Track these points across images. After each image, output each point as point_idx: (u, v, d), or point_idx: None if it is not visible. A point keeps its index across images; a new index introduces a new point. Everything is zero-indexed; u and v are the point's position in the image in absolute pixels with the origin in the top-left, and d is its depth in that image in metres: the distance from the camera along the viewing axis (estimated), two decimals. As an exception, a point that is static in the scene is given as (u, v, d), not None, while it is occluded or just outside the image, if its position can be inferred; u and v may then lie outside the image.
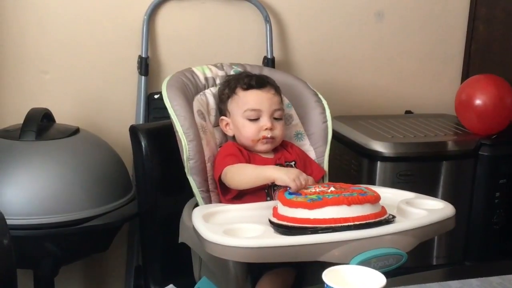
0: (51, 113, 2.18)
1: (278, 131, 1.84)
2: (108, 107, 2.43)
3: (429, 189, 2.22)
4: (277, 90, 1.89)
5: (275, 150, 1.89)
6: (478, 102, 2.37)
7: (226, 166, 1.74)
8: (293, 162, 1.87)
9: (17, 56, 2.32)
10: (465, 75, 2.81)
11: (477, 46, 2.80)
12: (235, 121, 1.85)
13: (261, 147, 1.83)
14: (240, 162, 1.76)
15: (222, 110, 1.90)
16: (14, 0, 2.28)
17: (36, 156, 2.00)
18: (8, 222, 1.41)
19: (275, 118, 1.85)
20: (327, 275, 1.08)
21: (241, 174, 1.73)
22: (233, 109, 1.87)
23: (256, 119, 1.83)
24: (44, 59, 2.35)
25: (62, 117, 2.24)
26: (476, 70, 2.74)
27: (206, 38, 2.49)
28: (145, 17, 2.38)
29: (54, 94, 2.37)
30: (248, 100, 1.85)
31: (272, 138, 1.83)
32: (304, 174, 1.65)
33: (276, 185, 1.77)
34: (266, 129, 1.82)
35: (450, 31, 2.83)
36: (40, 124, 2.07)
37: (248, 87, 1.86)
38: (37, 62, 2.34)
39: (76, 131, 2.14)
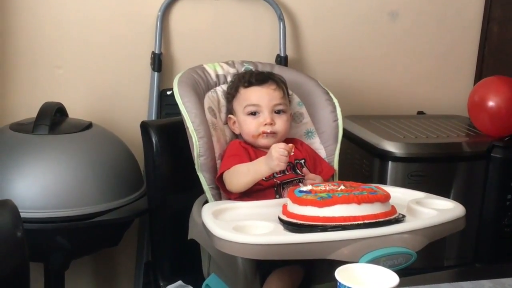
0: (64, 107, 2.20)
1: (279, 125, 1.84)
2: (121, 102, 2.44)
3: (440, 190, 2.19)
4: (279, 85, 1.89)
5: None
6: (491, 103, 2.36)
7: (225, 168, 1.75)
8: (303, 160, 1.87)
9: (32, 51, 2.34)
10: (478, 76, 2.80)
11: (491, 47, 2.79)
12: (238, 119, 1.87)
13: (262, 141, 1.83)
14: (242, 162, 1.76)
15: (229, 109, 1.92)
16: (29, -5, 2.30)
17: (48, 150, 2.01)
18: (21, 215, 1.42)
19: (277, 113, 1.85)
20: (340, 273, 1.08)
21: (237, 178, 1.73)
22: (236, 107, 1.88)
23: (256, 115, 1.84)
24: (58, 54, 2.36)
25: (75, 112, 2.25)
26: (489, 72, 2.72)
27: (220, 35, 2.50)
28: (159, 13, 2.38)
29: (68, 89, 2.38)
30: (248, 96, 1.86)
31: (273, 132, 1.83)
32: (281, 144, 1.67)
33: (285, 183, 1.78)
34: (266, 124, 1.82)
35: (464, 32, 2.81)
36: (53, 118, 2.08)
37: (248, 84, 1.88)
38: (51, 57, 2.36)
39: (88, 125, 2.15)
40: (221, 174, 1.76)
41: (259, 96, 1.85)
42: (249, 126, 1.84)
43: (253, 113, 1.85)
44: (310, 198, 1.45)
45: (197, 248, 1.83)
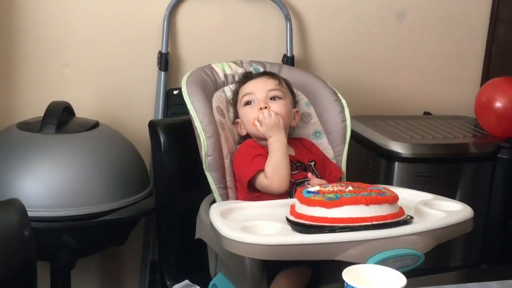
0: (71, 106, 2.20)
1: (275, 108, 1.83)
2: (128, 101, 2.44)
3: (447, 191, 2.20)
4: (274, 76, 1.92)
5: (295, 147, 1.89)
6: (498, 104, 2.36)
7: (258, 169, 1.75)
8: (313, 162, 1.87)
9: (39, 50, 2.34)
10: (485, 77, 2.79)
11: (498, 48, 2.78)
12: (240, 116, 1.88)
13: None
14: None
15: (235, 114, 1.93)
16: (36, -6, 2.30)
17: (55, 149, 2.01)
18: (28, 214, 1.42)
19: (272, 99, 1.85)
20: (347, 274, 1.07)
21: (279, 173, 1.73)
22: (238, 107, 1.89)
23: (252, 104, 1.85)
24: (65, 53, 2.37)
25: (82, 111, 2.25)
26: (496, 73, 2.72)
27: (226, 34, 2.50)
28: (166, 12, 2.38)
29: (75, 88, 2.39)
30: (243, 90, 1.89)
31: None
32: (265, 112, 1.78)
33: (297, 184, 1.77)
34: (261, 108, 1.82)
35: (471, 32, 2.81)
36: (60, 117, 2.08)
37: (245, 80, 1.91)
38: (58, 56, 2.36)
39: (95, 125, 2.15)
40: (251, 178, 1.75)
41: (254, 85, 1.88)
42: (248, 116, 1.85)
43: (249, 103, 1.85)
44: (318, 198, 1.45)
45: (204, 247, 1.83)
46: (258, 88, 1.86)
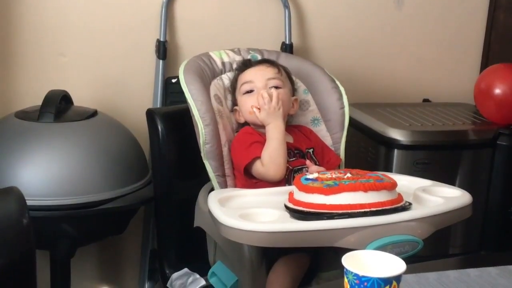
0: (69, 95, 2.19)
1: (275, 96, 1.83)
2: (126, 90, 2.44)
3: (446, 178, 2.19)
4: (274, 63, 1.91)
5: (294, 134, 1.89)
6: (497, 91, 2.35)
7: (255, 154, 1.75)
8: (312, 149, 1.87)
9: (36, 39, 2.33)
10: (484, 64, 2.79)
11: (497, 35, 2.78)
12: (239, 104, 1.87)
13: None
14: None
15: (233, 102, 1.93)
16: (33, -18, 2.29)
17: (54, 138, 2.01)
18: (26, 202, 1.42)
19: (272, 88, 1.84)
20: (347, 260, 1.07)
21: (276, 160, 1.73)
22: (236, 95, 1.89)
23: (251, 92, 1.84)
24: (63, 41, 2.36)
25: (80, 100, 2.25)
26: (495, 59, 2.71)
27: (224, 22, 2.49)
28: (164, 0, 2.37)
29: (72, 77, 2.38)
30: (242, 78, 1.88)
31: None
32: (265, 96, 1.77)
33: (295, 171, 1.77)
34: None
35: (470, 19, 2.80)
36: (58, 106, 2.08)
37: (244, 68, 1.90)
38: (55, 44, 2.35)
39: (94, 113, 2.15)
40: (247, 164, 1.76)
41: (253, 73, 1.87)
42: (246, 104, 1.84)
43: (248, 92, 1.85)
44: (317, 185, 1.45)
45: (203, 235, 1.83)
46: (257, 77, 1.85)
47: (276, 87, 1.85)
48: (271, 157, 1.73)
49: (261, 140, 1.78)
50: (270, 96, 1.78)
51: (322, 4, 2.60)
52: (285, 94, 1.86)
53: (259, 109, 1.80)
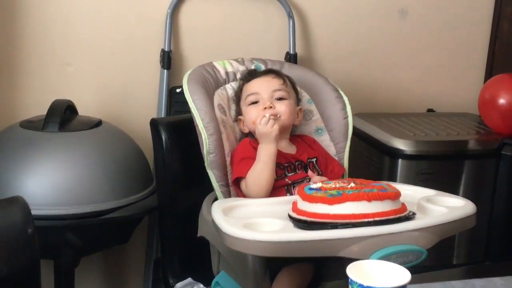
0: (74, 105, 2.20)
1: (280, 108, 1.83)
2: (131, 100, 2.45)
3: (450, 188, 2.20)
4: (279, 74, 1.91)
5: (297, 145, 1.89)
6: (501, 101, 2.35)
7: (241, 173, 1.75)
8: (315, 159, 1.86)
9: (42, 48, 2.34)
10: (489, 74, 2.79)
11: (502, 45, 2.78)
12: (243, 114, 1.87)
13: None
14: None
15: (237, 112, 1.93)
16: (39, -7, 2.30)
17: (58, 148, 2.01)
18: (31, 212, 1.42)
19: (278, 99, 1.85)
20: (351, 270, 1.07)
21: (259, 181, 1.72)
22: (241, 104, 1.89)
23: (256, 104, 1.84)
24: (68, 51, 2.37)
25: (84, 109, 2.26)
26: (500, 69, 2.71)
27: (229, 32, 2.50)
28: (169, 10, 2.38)
29: (77, 86, 2.39)
30: (248, 88, 1.88)
31: (274, 115, 1.78)
32: (263, 119, 1.74)
33: (295, 182, 1.78)
34: (265, 108, 1.81)
35: (474, 29, 2.80)
36: (63, 115, 2.09)
37: (250, 78, 1.90)
38: (61, 54, 2.36)
39: (98, 123, 2.16)
40: (236, 178, 1.77)
41: (259, 84, 1.87)
42: (250, 115, 1.84)
43: (254, 103, 1.85)
44: (320, 195, 1.45)
45: (207, 245, 1.82)
46: (263, 88, 1.85)
47: (281, 99, 1.85)
48: (254, 180, 1.73)
49: (253, 156, 1.78)
50: (265, 118, 1.75)
51: (326, 14, 2.60)
52: (290, 106, 1.86)
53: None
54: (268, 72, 1.93)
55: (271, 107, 1.81)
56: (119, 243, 2.30)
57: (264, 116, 1.76)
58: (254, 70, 1.97)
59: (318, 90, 1.99)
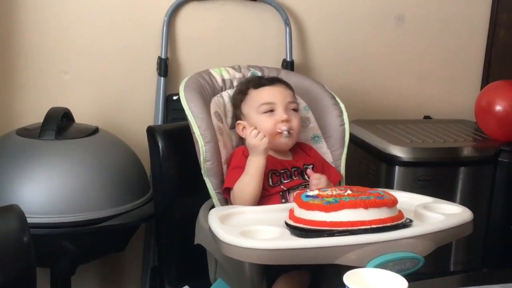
0: (70, 112, 2.20)
1: (294, 123, 1.84)
2: (127, 107, 2.45)
3: (447, 195, 2.20)
4: (288, 85, 1.91)
5: (294, 152, 1.89)
6: (498, 108, 2.35)
7: (230, 183, 1.76)
8: (311, 166, 1.86)
9: (38, 56, 2.34)
10: (485, 80, 2.79)
11: (498, 52, 2.78)
12: (251, 120, 1.86)
13: (281, 140, 1.83)
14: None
15: (237, 115, 1.92)
16: (35, 1, 2.30)
17: (55, 155, 2.01)
18: (27, 220, 1.42)
19: (292, 110, 1.86)
20: (348, 278, 1.07)
21: (244, 192, 1.73)
22: (247, 110, 1.88)
23: (271, 113, 1.84)
24: (65, 59, 2.37)
25: (81, 117, 2.25)
26: (496, 76, 2.72)
27: (226, 40, 2.50)
28: (165, 18, 2.39)
29: (74, 94, 2.39)
30: (261, 95, 1.86)
31: (290, 129, 1.82)
32: (253, 132, 1.74)
33: (291, 188, 1.78)
34: (283, 121, 1.82)
35: (470, 36, 2.81)
36: (59, 123, 2.08)
37: (259, 85, 1.89)
38: (57, 62, 2.36)
39: (95, 131, 2.15)
40: (227, 187, 1.78)
41: (273, 93, 1.86)
42: (266, 125, 1.82)
43: (270, 111, 1.84)
44: (317, 202, 1.45)
45: (204, 253, 1.82)
46: (279, 98, 1.85)
47: (295, 110, 1.87)
48: (240, 192, 1.74)
49: (244, 166, 1.78)
50: (254, 131, 1.76)
51: (323, 21, 2.61)
52: (300, 119, 1.89)
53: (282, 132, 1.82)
54: (278, 81, 1.92)
55: (288, 120, 1.82)
56: (116, 251, 2.29)
57: (282, 122, 1.78)
58: (262, 77, 1.96)
59: (314, 97, 1.99)
